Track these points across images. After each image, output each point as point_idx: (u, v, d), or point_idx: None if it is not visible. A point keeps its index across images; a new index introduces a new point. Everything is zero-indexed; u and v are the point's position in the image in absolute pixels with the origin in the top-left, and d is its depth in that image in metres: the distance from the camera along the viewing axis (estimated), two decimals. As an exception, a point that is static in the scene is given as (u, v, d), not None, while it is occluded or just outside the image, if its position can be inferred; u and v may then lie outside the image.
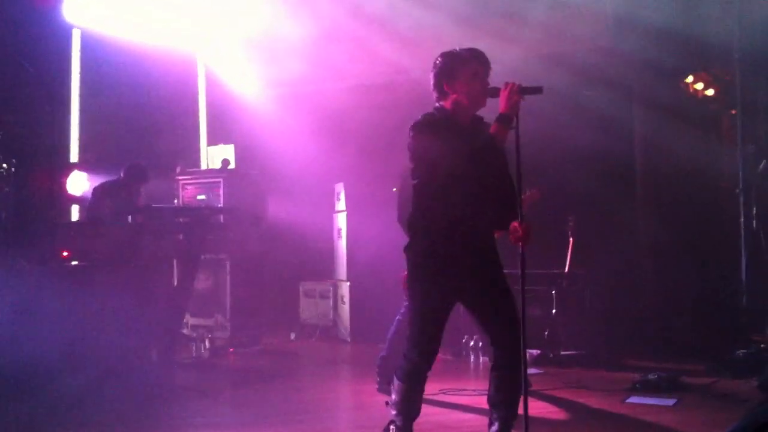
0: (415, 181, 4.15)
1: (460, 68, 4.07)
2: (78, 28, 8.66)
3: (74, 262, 6.35)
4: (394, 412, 4.20)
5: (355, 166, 9.44)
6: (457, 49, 4.15)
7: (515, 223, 3.99)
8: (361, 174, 9.26)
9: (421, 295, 4.11)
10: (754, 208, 7.45)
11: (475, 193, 4.01)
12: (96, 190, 7.91)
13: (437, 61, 4.15)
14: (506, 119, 3.92)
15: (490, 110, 4.09)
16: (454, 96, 4.08)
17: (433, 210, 4.07)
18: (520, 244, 3.99)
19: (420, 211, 4.14)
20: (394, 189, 6.39)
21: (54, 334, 5.49)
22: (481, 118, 4.14)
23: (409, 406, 4.18)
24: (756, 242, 7.43)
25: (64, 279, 5.96)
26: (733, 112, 8.05)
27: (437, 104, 4.15)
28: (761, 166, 7.47)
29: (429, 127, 4.05)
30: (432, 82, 4.16)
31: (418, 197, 4.15)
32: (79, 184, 8.21)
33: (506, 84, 3.95)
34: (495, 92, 4.01)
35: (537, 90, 3.96)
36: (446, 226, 4.04)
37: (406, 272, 4.32)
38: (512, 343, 4.01)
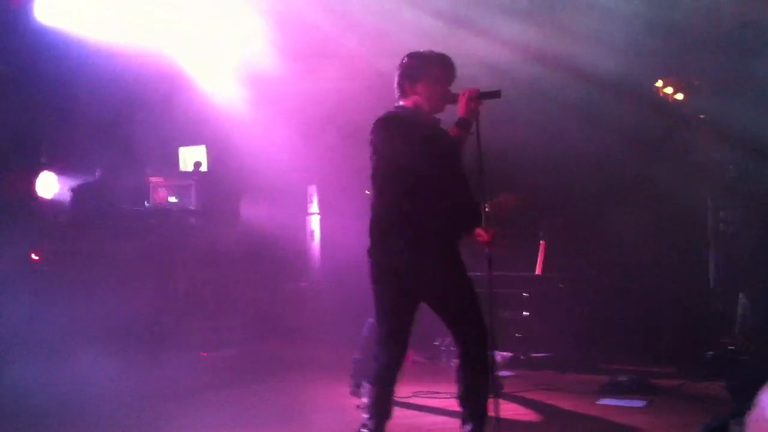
0: (376, 183, 4.17)
1: (425, 70, 4.15)
2: (49, 26, 8.57)
3: (44, 266, 6.30)
4: (365, 416, 4.20)
5: (327, 168, 9.43)
6: (426, 51, 4.20)
7: (480, 228, 4.06)
8: (333, 176, 9.25)
9: (385, 297, 4.12)
10: (722, 212, 7.54)
11: (436, 194, 4.05)
12: (77, 191, 7.80)
13: (404, 61, 4.22)
14: (465, 124, 4.03)
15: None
16: (415, 97, 4.16)
17: (394, 211, 4.08)
18: (486, 248, 4.06)
19: (380, 212, 4.16)
20: (367, 191, 6.40)
21: (29, 335, 5.45)
22: (438, 121, 4.19)
23: (381, 408, 4.18)
24: (723, 244, 7.51)
25: (38, 281, 5.91)
26: (702, 116, 8.14)
27: (398, 103, 4.19)
28: (729, 169, 7.56)
29: (392, 123, 4.09)
30: (396, 80, 4.21)
31: (378, 198, 4.17)
32: (49, 185, 8.12)
33: (464, 91, 4.06)
34: (454, 98, 4.12)
35: (495, 94, 4.09)
36: (408, 227, 4.05)
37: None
38: (476, 340, 4.06)
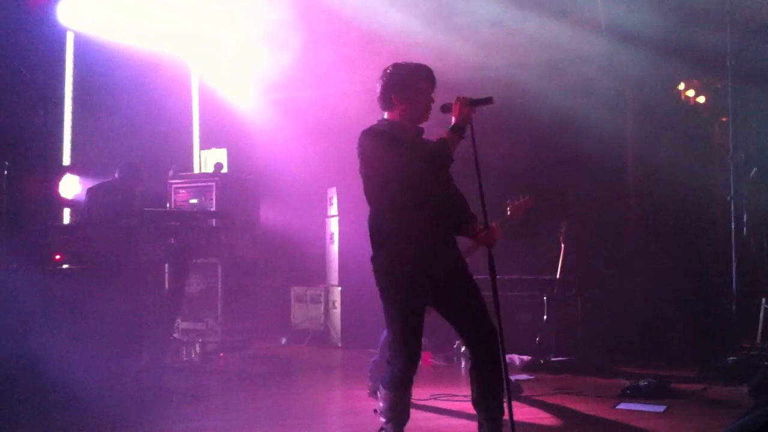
0: (369, 190, 4.21)
1: (411, 81, 4.22)
2: (72, 31, 8.66)
3: (66, 266, 6.34)
4: (383, 420, 4.21)
5: (347, 170, 9.41)
6: (408, 62, 4.25)
7: (478, 227, 4.20)
8: (353, 179, 9.21)
9: (392, 302, 4.14)
10: (745, 216, 7.48)
11: (428, 200, 4.12)
12: (91, 191, 7.86)
13: (388, 71, 4.27)
14: (459, 129, 4.12)
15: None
16: (402, 107, 4.20)
17: (391, 219, 4.13)
18: (488, 247, 4.16)
19: (377, 221, 4.19)
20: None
21: (45, 336, 5.48)
22: (422, 130, 4.28)
23: (398, 412, 4.18)
24: (746, 249, 7.45)
25: (57, 282, 5.95)
26: (724, 119, 8.08)
27: (384, 115, 4.25)
28: (752, 173, 7.50)
29: (379, 134, 4.17)
30: (379, 90, 4.26)
31: (374, 206, 4.22)
32: (71, 187, 8.19)
33: (457, 98, 4.16)
34: (448, 108, 4.23)
35: (487, 101, 4.20)
36: (405, 234, 4.10)
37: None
38: (486, 343, 4.07)
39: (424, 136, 4.27)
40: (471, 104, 4.13)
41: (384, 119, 4.27)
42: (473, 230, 4.35)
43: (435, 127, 4.22)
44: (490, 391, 4.12)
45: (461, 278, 4.22)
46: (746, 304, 7.42)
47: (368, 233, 4.25)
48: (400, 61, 4.30)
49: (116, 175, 7.95)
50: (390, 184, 4.10)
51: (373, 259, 4.22)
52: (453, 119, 4.15)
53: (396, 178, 4.08)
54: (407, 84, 4.20)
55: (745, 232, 7.48)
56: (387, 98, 4.23)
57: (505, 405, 4.03)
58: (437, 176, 4.14)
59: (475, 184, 4.10)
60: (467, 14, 8.57)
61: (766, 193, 7.38)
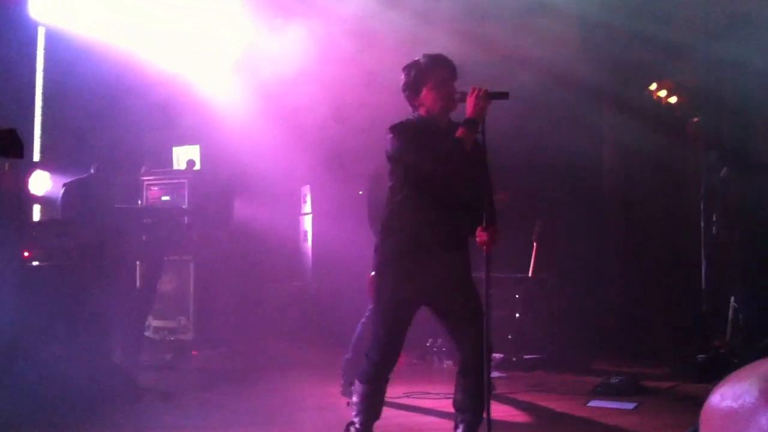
0: (391, 183, 4.19)
1: (422, 78, 4.15)
2: (43, 25, 8.56)
3: (35, 263, 6.27)
4: (354, 413, 4.20)
5: (321, 168, 9.44)
6: (418, 58, 4.20)
7: (480, 228, 4.04)
8: (327, 176, 9.26)
9: (388, 295, 4.13)
10: (714, 215, 7.56)
11: (448, 198, 4.06)
12: (67, 187, 7.76)
13: (401, 77, 4.21)
14: (472, 124, 3.98)
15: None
16: (424, 106, 4.14)
17: (407, 212, 4.11)
18: (485, 247, 4.05)
19: (393, 212, 4.17)
20: (360, 192, 6.41)
21: (15, 334, 5.43)
22: (458, 125, 4.17)
23: (370, 407, 4.18)
24: (716, 249, 7.53)
25: (26, 279, 5.88)
26: (696, 119, 8.15)
27: (414, 113, 4.21)
28: (722, 172, 7.57)
29: (407, 129, 4.10)
30: (402, 89, 4.21)
31: (392, 198, 4.18)
32: (41, 183, 8.09)
33: (473, 89, 3.99)
34: (463, 97, 4.05)
35: (503, 95, 4.02)
36: (419, 228, 4.07)
37: (373, 273, 4.34)
38: (479, 348, 4.05)
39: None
40: (488, 97, 3.97)
41: (414, 114, 4.21)
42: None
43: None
44: (472, 394, 4.14)
45: (464, 282, 4.21)
46: (716, 303, 7.51)
47: (381, 221, 4.24)
48: (407, 63, 4.23)
49: (92, 171, 7.86)
50: (408, 180, 4.09)
51: (378, 247, 4.21)
52: (467, 111, 4.01)
53: (415, 176, 4.06)
54: (419, 83, 4.14)
55: (714, 230, 7.56)
56: (410, 101, 4.20)
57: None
58: (458, 176, 4.03)
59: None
60: (436, 8, 8.54)
61: (735, 192, 7.45)
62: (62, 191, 7.70)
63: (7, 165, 5.79)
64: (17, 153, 4.35)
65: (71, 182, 7.77)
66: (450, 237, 4.15)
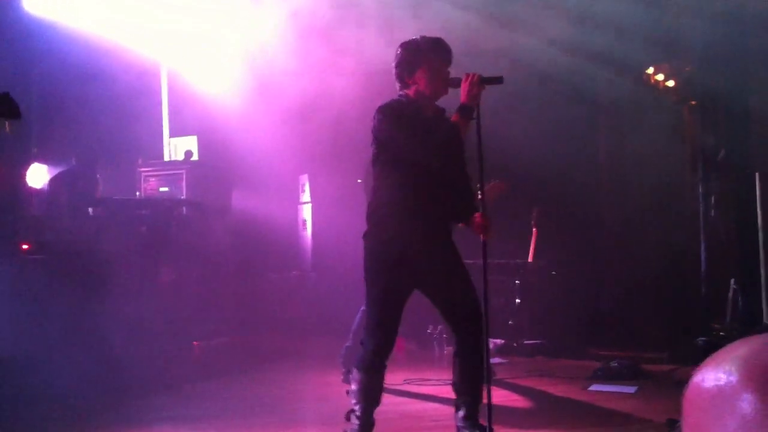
0: (376, 168, 4.17)
1: (420, 59, 4.10)
2: (38, 18, 8.53)
3: (34, 255, 6.28)
4: (353, 401, 4.21)
5: (319, 157, 9.42)
6: (418, 38, 4.17)
7: (478, 215, 4.05)
8: (325, 165, 9.25)
9: (377, 283, 4.12)
10: (713, 198, 7.56)
11: (434, 183, 4.05)
12: (53, 181, 7.76)
13: (397, 52, 4.18)
14: (467, 110, 3.98)
15: (450, 101, 4.12)
16: (416, 86, 4.10)
17: (393, 198, 4.09)
18: (482, 235, 4.05)
19: (380, 198, 4.16)
20: (359, 180, 6.40)
21: (14, 326, 5.43)
22: (443, 110, 4.17)
23: (369, 395, 4.19)
24: (714, 231, 7.54)
25: (24, 272, 5.89)
26: (693, 103, 8.15)
27: (400, 93, 4.18)
28: (720, 155, 7.57)
29: (395, 111, 4.07)
30: (394, 73, 4.18)
31: (378, 184, 4.17)
32: (38, 176, 8.09)
33: (467, 75, 3.99)
34: (456, 83, 4.05)
35: (498, 80, 4.00)
36: (406, 214, 4.06)
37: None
38: (473, 329, 4.08)
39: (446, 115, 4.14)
40: (481, 82, 3.96)
41: (401, 94, 4.17)
42: (472, 218, 4.19)
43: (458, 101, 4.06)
44: (472, 379, 4.14)
45: (454, 264, 4.20)
46: (716, 285, 7.52)
47: (368, 207, 4.21)
48: (407, 40, 4.18)
49: (73, 162, 7.83)
50: (396, 164, 4.06)
51: (366, 235, 4.19)
52: (461, 97, 3.99)
53: (402, 160, 4.03)
54: (416, 61, 4.09)
55: (712, 214, 7.56)
56: (401, 79, 4.14)
57: (483, 389, 4.05)
58: (445, 162, 4.02)
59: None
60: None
61: (733, 175, 7.46)
62: (48, 185, 7.70)
63: (7, 125, 5.77)
64: (14, 114, 4.33)
65: (56, 175, 7.77)
66: (437, 222, 4.16)
